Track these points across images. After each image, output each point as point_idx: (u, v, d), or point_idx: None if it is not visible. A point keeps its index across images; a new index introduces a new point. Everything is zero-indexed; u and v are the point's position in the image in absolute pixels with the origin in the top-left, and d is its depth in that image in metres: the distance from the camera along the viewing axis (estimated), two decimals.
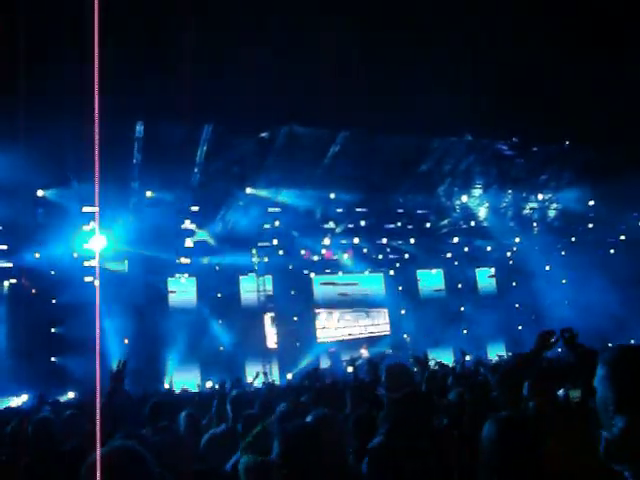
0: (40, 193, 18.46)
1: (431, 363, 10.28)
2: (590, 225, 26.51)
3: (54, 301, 20.12)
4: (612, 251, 28.78)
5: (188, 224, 21.29)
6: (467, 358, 13.36)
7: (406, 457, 3.49)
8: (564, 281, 28.70)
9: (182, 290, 23.56)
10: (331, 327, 26.51)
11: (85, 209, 18.94)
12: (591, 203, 24.27)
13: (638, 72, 15.55)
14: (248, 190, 19.58)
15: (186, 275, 23.41)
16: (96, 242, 20.09)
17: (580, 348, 4.32)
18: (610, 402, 1.83)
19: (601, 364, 1.92)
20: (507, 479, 2.54)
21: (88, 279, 20.15)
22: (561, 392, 2.04)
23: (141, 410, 5.68)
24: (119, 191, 18.22)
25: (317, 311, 26.30)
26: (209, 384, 19.45)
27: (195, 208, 20.76)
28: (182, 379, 20.47)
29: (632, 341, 20.86)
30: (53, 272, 20.21)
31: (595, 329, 20.42)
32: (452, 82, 15.16)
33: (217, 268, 23.00)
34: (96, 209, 19.36)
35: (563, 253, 28.92)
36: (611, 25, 14.69)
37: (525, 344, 19.42)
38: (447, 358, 19.91)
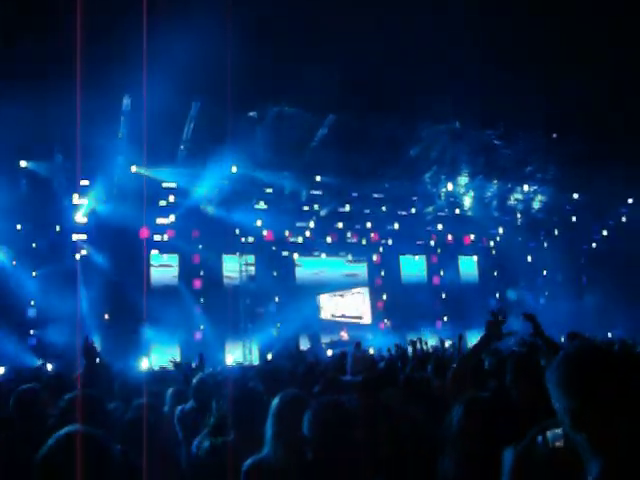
0: (23, 164, 18.27)
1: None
2: (573, 218, 26.67)
3: (34, 274, 19.96)
4: (594, 245, 29.01)
5: (172, 201, 21.17)
6: (447, 345, 13.46)
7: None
8: (545, 272, 28.96)
9: (164, 267, 23.44)
10: (312, 309, 26.50)
11: (69, 182, 18.78)
12: (575, 196, 24.42)
13: (623, 67, 15.64)
14: (234, 169, 19.47)
15: (168, 253, 23.28)
16: (79, 216, 19.99)
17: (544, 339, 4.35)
18: (567, 413, 1.64)
19: (555, 366, 1.71)
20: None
21: (70, 253, 20.02)
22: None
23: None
24: (104, 165, 18.09)
25: (299, 293, 26.28)
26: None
27: (179, 185, 20.63)
28: (162, 357, 20.44)
29: (609, 334, 21.08)
30: (34, 245, 20.03)
31: (574, 320, 20.68)
32: (442, 70, 15.15)
33: (200, 246, 22.88)
34: (80, 182, 19.24)
35: (545, 245, 29.12)
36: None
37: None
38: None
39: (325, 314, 26.71)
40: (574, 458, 1.68)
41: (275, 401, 3.31)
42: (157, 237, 22.40)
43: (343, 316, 26.87)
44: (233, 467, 3.27)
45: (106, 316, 20.52)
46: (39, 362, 16.61)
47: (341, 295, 27.20)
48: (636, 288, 24.68)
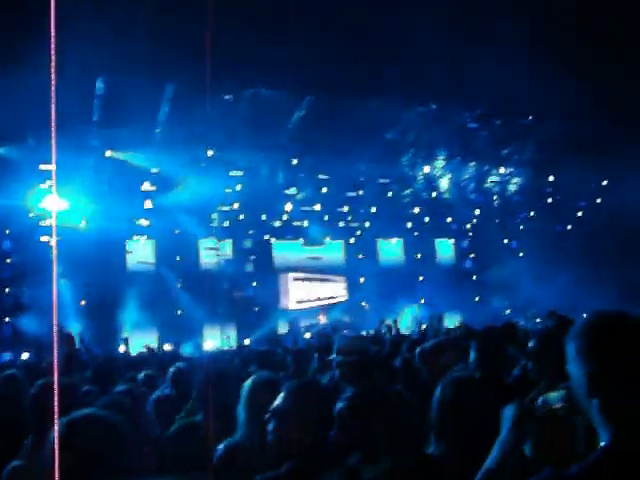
0: None
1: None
2: (549, 200, 26.87)
3: (8, 260, 19.71)
4: (569, 227, 29.24)
5: (148, 186, 20.95)
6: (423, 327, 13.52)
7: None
8: (521, 254, 29.17)
9: (141, 252, 23.27)
10: (289, 293, 26.54)
11: (42, 167, 18.51)
12: (551, 179, 24.59)
13: (601, 48, 15.71)
14: (210, 152, 19.30)
15: (145, 237, 23.09)
16: (52, 201, 19.71)
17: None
18: (585, 377, 1.65)
19: (573, 337, 1.72)
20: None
21: (44, 239, 19.78)
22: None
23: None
24: (78, 149, 17.84)
25: (276, 277, 26.28)
26: (167, 347, 19.34)
27: (155, 169, 20.43)
28: (140, 342, 20.33)
29: (584, 315, 21.28)
30: (7, 231, 19.75)
31: (550, 300, 20.87)
32: (420, 51, 15.09)
33: (176, 231, 22.71)
34: (53, 167, 18.96)
35: (522, 227, 29.32)
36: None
37: (480, 315, 19.78)
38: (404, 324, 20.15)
39: (302, 298, 26.73)
40: (572, 419, 1.78)
41: (247, 384, 3.29)
42: (134, 222, 22.20)
43: (318, 299, 26.91)
44: (202, 448, 3.26)
45: (82, 302, 20.34)
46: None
47: (319, 279, 27.22)
48: (610, 269, 24.97)
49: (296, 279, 26.74)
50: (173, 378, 4.99)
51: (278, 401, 2.69)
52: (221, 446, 3.18)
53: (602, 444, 1.61)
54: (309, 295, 26.87)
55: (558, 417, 1.88)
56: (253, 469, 2.66)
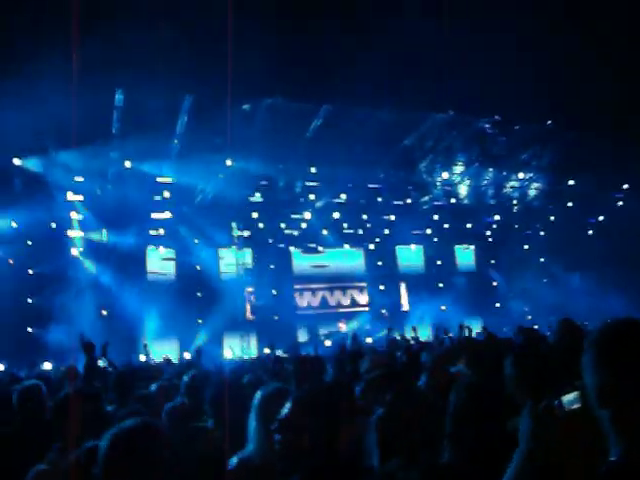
0: (17, 162, 18.19)
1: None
2: (569, 204, 26.67)
3: (31, 272, 19.91)
4: (590, 232, 29.02)
5: (166, 194, 21.09)
6: (450, 335, 13.49)
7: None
8: (542, 260, 28.97)
9: (161, 262, 23.43)
10: (310, 301, 26.58)
11: (64, 178, 18.73)
12: (571, 183, 24.42)
13: (618, 56, 15.62)
14: (228, 162, 19.39)
15: (164, 248, 23.23)
16: (74, 212, 19.94)
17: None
18: (597, 388, 1.62)
19: (587, 347, 1.68)
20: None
21: (66, 249, 20.01)
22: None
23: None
24: (98, 161, 18.04)
25: (296, 285, 26.33)
26: (187, 355, 19.42)
27: (174, 179, 20.57)
28: (160, 351, 20.44)
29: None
30: (30, 242, 19.96)
31: (571, 308, 20.70)
32: (437, 58, 15.09)
33: (196, 241, 22.85)
34: (75, 179, 19.18)
35: (542, 233, 29.14)
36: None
37: (501, 322, 19.66)
38: (425, 333, 20.11)
39: (322, 305, 26.74)
40: (590, 421, 1.69)
41: (258, 395, 3.30)
42: (153, 232, 22.37)
43: (339, 306, 26.91)
44: (211, 452, 3.29)
45: (103, 312, 20.50)
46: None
47: (339, 288, 27.23)
48: (631, 274, 24.72)
49: (316, 287, 26.77)
50: (187, 386, 5.02)
51: (284, 411, 2.69)
52: (234, 459, 3.18)
53: (612, 458, 1.58)
54: (329, 303, 26.88)
55: (577, 416, 1.85)
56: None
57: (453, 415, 2.76)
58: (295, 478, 2.56)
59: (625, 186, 25.57)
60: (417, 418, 3.70)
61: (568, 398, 1.84)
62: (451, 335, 12.00)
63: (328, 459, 2.60)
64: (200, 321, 22.63)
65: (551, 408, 1.89)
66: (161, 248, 23.18)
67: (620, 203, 27.02)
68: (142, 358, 18.07)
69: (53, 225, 20.09)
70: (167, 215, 21.76)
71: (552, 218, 28.37)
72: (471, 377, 3.50)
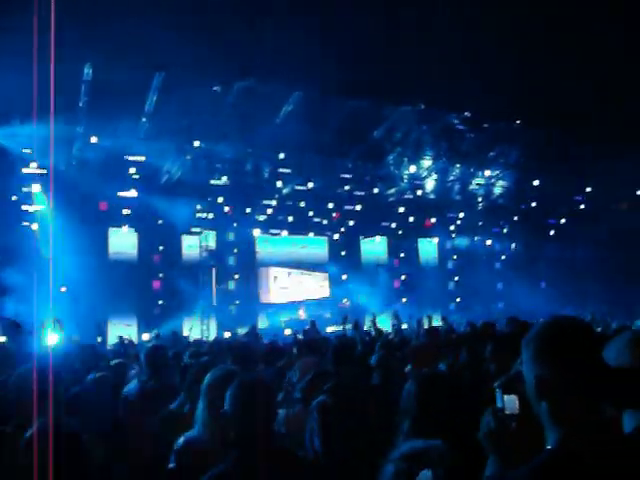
0: None
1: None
2: (533, 204, 27.02)
3: None
4: (552, 232, 29.47)
5: (132, 173, 20.79)
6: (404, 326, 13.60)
7: (346, 414, 3.71)
8: (503, 257, 29.36)
9: (123, 242, 23.18)
10: (271, 287, 26.57)
11: (25, 150, 18.37)
12: (536, 183, 24.71)
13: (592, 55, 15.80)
14: (196, 143, 19.21)
15: (127, 226, 22.97)
16: (36, 186, 19.58)
17: None
18: (535, 381, 1.69)
19: (526, 343, 1.76)
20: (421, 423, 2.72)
21: (26, 223, 19.66)
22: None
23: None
24: (63, 134, 17.71)
25: (258, 270, 26.29)
26: (146, 337, 19.30)
27: (140, 158, 20.29)
28: (118, 330, 20.26)
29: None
30: None
31: (529, 305, 21.02)
32: (410, 51, 15.12)
33: (160, 222, 22.62)
34: (38, 152, 18.81)
35: (505, 230, 29.51)
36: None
37: (462, 315, 19.82)
38: (384, 322, 20.21)
39: (283, 292, 26.74)
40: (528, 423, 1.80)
41: (206, 377, 3.31)
42: (117, 210, 22.10)
43: (300, 294, 26.94)
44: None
45: (62, 289, 20.20)
46: None
47: (301, 275, 27.24)
48: (590, 275, 25.21)
49: (278, 273, 26.75)
50: (148, 356, 4.96)
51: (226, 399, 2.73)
52: (179, 441, 3.19)
53: (548, 447, 1.65)
54: (290, 290, 26.89)
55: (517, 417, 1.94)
56: (211, 462, 2.67)
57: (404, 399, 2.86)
58: (224, 463, 2.59)
59: (588, 189, 25.97)
60: (357, 407, 3.81)
61: (508, 402, 1.95)
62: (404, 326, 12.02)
63: (260, 445, 2.60)
64: (160, 302, 22.49)
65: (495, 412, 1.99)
66: (124, 227, 22.92)
67: (582, 206, 27.46)
68: (99, 339, 17.89)
69: (14, 198, 19.71)
70: (132, 194, 21.46)
71: (515, 217, 28.74)
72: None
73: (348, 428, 3.63)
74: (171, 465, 3.13)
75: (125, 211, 22.13)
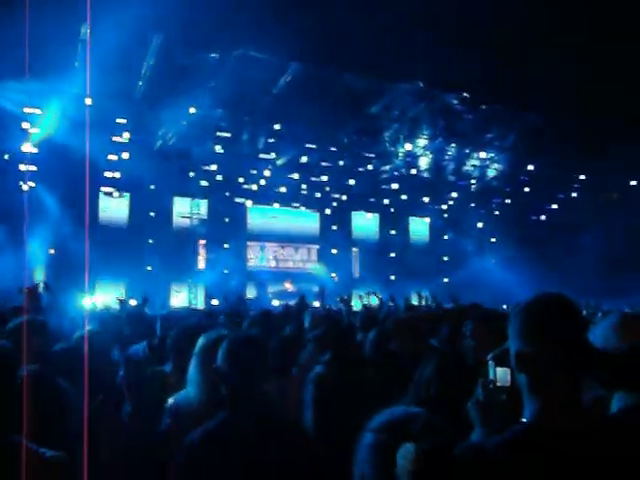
0: None
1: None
2: (526, 189, 27.03)
3: None
4: (543, 217, 29.56)
5: (127, 136, 20.61)
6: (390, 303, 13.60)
7: (348, 387, 3.66)
8: (493, 239, 29.45)
9: (113, 205, 23.09)
10: (260, 257, 26.59)
11: (20, 109, 18.19)
12: (530, 167, 24.71)
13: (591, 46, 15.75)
14: (192, 110, 19.04)
15: (117, 190, 22.85)
16: (29, 145, 19.42)
17: None
18: (516, 354, 1.74)
19: (512, 317, 1.80)
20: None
21: (17, 182, 19.54)
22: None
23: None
24: (56, 94, 17.53)
25: (248, 241, 26.29)
26: (133, 302, 19.28)
27: (135, 122, 20.11)
28: (106, 296, 20.25)
29: None
30: None
31: (516, 288, 21.13)
32: (411, 29, 15.00)
33: (152, 186, 22.51)
34: (32, 111, 18.64)
35: (497, 212, 29.57)
36: None
37: (450, 295, 19.93)
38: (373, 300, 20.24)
39: (273, 263, 26.78)
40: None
41: (200, 340, 3.34)
42: (108, 174, 21.98)
43: (289, 266, 26.99)
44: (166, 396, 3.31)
45: (51, 251, 20.16)
46: None
47: (292, 247, 27.27)
48: (579, 263, 25.32)
49: (269, 244, 26.77)
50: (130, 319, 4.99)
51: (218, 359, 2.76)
52: (170, 400, 3.24)
53: (524, 420, 1.69)
54: (280, 261, 26.93)
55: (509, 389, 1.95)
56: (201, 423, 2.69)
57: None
58: (212, 421, 2.60)
59: (582, 177, 26.00)
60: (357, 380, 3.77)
61: (500, 374, 1.95)
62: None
63: (243, 409, 2.63)
64: (149, 268, 22.47)
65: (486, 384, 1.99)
66: (115, 191, 22.80)
67: (574, 194, 27.51)
68: (87, 301, 17.84)
69: (6, 157, 19.57)
70: (124, 157, 21.31)
71: (508, 200, 28.78)
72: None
73: (344, 404, 3.61)
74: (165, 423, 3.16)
75: (117, 174, 22.00)
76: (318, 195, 26.56)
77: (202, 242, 23.93)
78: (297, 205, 26.72)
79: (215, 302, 20.21)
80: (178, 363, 3.78)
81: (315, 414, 3.60)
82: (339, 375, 3.71)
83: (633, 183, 25.30)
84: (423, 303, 13.16)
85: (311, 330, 4.70)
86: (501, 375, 1.97)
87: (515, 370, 1.74)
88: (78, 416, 2.83)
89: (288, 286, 24.86)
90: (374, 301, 11.97)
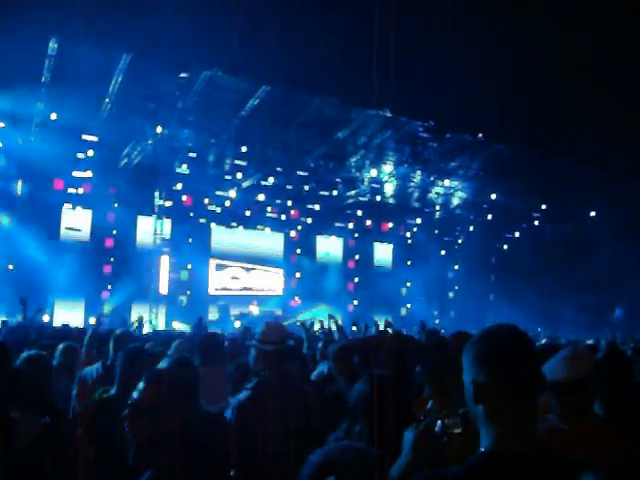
0: None
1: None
2: (489, 216, 27.37)
3: None
4: (505, 246, 29.97)
5: (91, 154, 20.40)
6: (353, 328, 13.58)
7: (271, 416, 3.59)
8: (456, 267, 29.73)
9: (76, 222, 22.78)
10: (224, 280, 26.44)
11: None
12: (493, 197, 25.06)
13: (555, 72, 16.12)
14: (159, 129, 18.96)
15: (81, 207, 22.58)
16: None
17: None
18: (473, 385, 1.75)
19: (467, 348, 1.82)
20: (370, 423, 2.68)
21: None
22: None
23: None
24: (23, 108, 17.33)
25: (212, 262, 26.12)
26: (92, 320, 19.02)
27: (100, 139, 19.92)
28: (65, 314, 19.93)
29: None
30: None
31: (477, 316, 21.33)
32: (379, 56, 15.18)
33: (116, 205, 22.29)
34: None
35: (460, 240, 29.89)
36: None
37: (412, 321, 20.03)
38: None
39: (236, 286, 26.65)
40: (469, 443, 1.82)
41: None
42: (71, 190, 21.72)
43: (252, 289, 26.88)
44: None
45: (10, 267, 19.82)
46: None
47: (255, 269, 27.18)
48: (538, 291, 25.71)
49: (232, 266, 26.64)
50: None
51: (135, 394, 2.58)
52: (95, 396, 3.38)
53: (482, 449, 1.71)
54: (244, 284, 26.82)
55: (455, 443, 1.98)
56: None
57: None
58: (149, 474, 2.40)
59: (543, 206, 26.44)
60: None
61: (451, 421, 2.00)
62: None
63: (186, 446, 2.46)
64: (110, 287, 22.18)
65: (430, 427, 2.02)
66: (78, 207, 22.51)
67: (536, 223, 27.94)
68: (45, 318, 17.53)
69: None
70: (89, 174, 21.09)
71: (471, 228, 29.12)
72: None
73: (268, 435, 3.53)
74: None
75: (80, 191, 21.76)
76: (283, 217, 26.58)
77: (165, 262, 23.65)
78: (262, 227, 26.70)
79: (177, 325, 20.03)
80: (122, 386, 3.73)
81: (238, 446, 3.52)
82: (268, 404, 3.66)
83: (593, 214, 25.84)
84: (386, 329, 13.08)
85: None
86: (453, 422, 2.00)
87: (471, 401, 1.76)
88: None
89: (253, 308, 24.72)
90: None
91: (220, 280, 26.33)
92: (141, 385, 2.56)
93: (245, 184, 23.51)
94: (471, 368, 1.77)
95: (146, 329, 13.95)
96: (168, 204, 23.07)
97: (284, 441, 3.52)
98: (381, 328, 11.53)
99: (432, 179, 24.76)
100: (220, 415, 3.63)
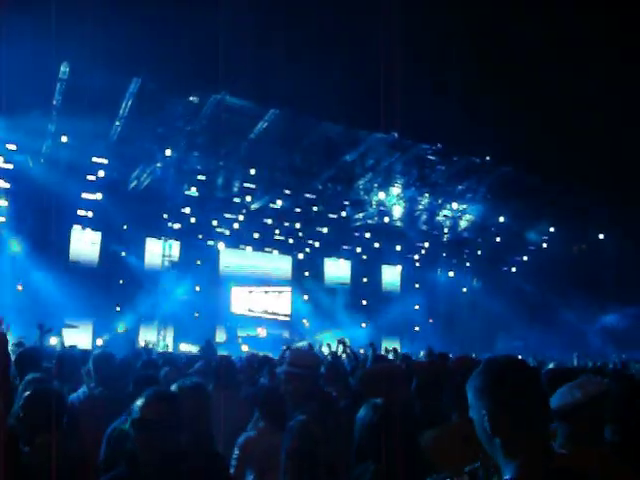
0: None
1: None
2: (497, 239, 27.31)
3: None
4: (514, 269, 29.89)
5: (101, 176, 20.52)
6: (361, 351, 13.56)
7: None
8: (465, 290, 29.62)
9: (85, 244, 22.88)
10: (233, 302, 26.45)
11: None
12: (501, 219, 25.04)
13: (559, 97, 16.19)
14: (168, 152, 19.09)
15: (90, 229, 22.70)
16: (1, 181, 19.31)
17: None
18: (487, 417, 1.73)
19: (470, 383, 1.80)
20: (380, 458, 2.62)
21: None
22: None
23: None
24: (33, 131, 17.49)
25: (221, 284, 26.13)
26: (100, 342, 19.03)
27: (110, 162, 20.05)
28: (74, 336, 19.93)
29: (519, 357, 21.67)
30: None
31: (486, 337, 21.21)
32: (387, 80, 15.29)
33: (125, 227, 22.38)
34: (7, 146, 18.56)
35: (468, 263, 29.81)
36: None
37: (420, 344, 19.96)
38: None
39: (243, 308, 26.62)
40: None
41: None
42: (81, 212, 21.84)
43: (264, 312, 26.85)
44: None
45: (19, 287, 19.89)
46: None
47: (264, 291, 27.17)
48: (551, 312, 25.58)
49: (240, 289, 26.65)
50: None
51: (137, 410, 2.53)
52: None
53: (507, 477, 1.69)
54: (251, 306, 26.79)
55: None
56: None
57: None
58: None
59: (551, 229, 26.40)
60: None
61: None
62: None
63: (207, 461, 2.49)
64: (118, 309, 22.20)
65: None
66: (88, 230, 22.63)
67: (545, 245, 27.88)
68: (53, 341, 17.50)
69: None
70: (98, 196, 21.21)
71: (479, 252, 29.06)
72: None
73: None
74: None
75: (89, 213, 21.88)
76: (291, 240, 26.62)
77: (174, 283, 23.68)
78: (270, 250, 26.74)
79: (185, 347, 19.99)
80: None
81: None
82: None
83: (601, 237, 25.77)
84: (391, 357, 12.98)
85: None
86: None
87: (485, 434, 1.74)
88: None
89: (260, 331, 24.67)
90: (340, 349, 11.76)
91: (228, 302, 26.35)
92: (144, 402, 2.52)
93: (253, 207, 23.59)
94: (481, 401, 1.75)
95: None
96: (177, 226, 23.16)
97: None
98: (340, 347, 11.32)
99: (440, 202, 24.78)
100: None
